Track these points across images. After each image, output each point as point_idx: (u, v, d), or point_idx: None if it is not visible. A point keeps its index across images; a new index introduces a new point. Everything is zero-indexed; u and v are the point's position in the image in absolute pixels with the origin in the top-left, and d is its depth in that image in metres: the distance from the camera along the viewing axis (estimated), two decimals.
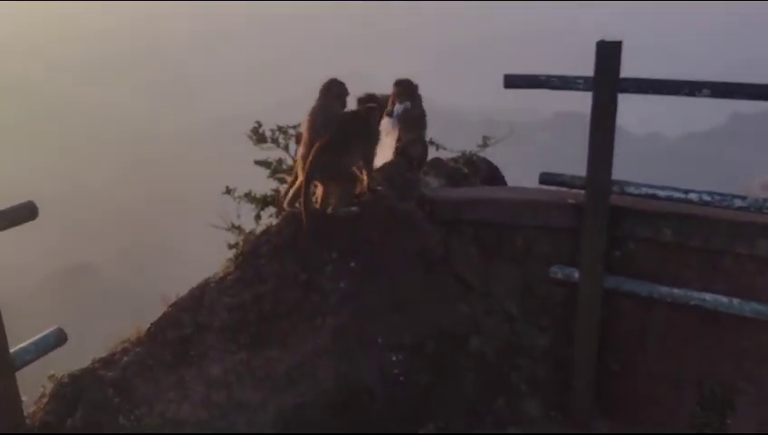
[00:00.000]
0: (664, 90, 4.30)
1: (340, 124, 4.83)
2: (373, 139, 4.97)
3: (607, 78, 4.39)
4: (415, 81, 5.75)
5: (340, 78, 5.10)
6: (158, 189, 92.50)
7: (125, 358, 3.95)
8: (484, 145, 8.03)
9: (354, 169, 4.84)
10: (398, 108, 5.49)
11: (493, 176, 7.06)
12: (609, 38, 4.41)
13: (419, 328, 4.78)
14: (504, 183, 7.14)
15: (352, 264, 4.61)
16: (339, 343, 4.36)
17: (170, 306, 4.22)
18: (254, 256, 4.45)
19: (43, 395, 4.17)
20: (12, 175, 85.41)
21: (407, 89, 5.61)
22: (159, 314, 5.23)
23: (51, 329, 3.49)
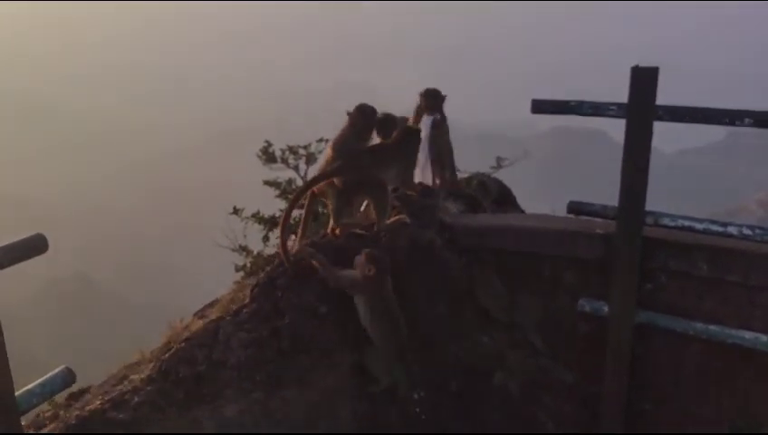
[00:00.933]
0: (703, 119, 4.12)
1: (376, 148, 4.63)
2: (411, 164, 4.77)
3: (642, 105, 4.21)
4: (442, 92, 5.52)
5: (370, 104, 4.78)
6: (161, 204, 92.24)
7: (135, 398, 3.72)
8: (498, 166, 7.86)
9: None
10: (426, 120, 5.27)
11: (505, 198, 6.86)
12: (644, 63, 4.24)
13: (442, 363, 4.56)
14: (516, 205, 6.93)
15: None
16: (359, 380, 4.13)
17: (184, 341, 3.99)
18: (270, 287, 4.23)
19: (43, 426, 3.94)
20: (13, 186, 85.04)
21: (435, 100, 5.36)
22: (163, 337, 5.03)
23: (58, 369, 3.27)
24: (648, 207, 4.35)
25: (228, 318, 4.08)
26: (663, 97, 4.16)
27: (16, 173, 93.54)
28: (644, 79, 4.17)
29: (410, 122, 5.38)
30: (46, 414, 4.32)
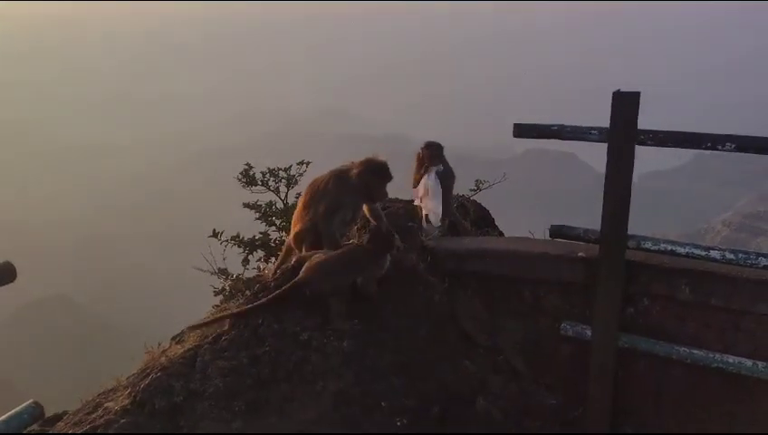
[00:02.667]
0: (685, 143, 4.14)
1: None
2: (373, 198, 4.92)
3: (624, 130, 4.22)
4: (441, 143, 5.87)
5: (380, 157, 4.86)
6: (138, 221, 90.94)
7: (109, 432, 3.55)
8: (477, 189, 7.86)
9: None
10: (432, 172, 5.67)
11: (484, 220, 6.86)
12: (625, 89, 4.26)
13: (424, 390, 4.47)
14: (495, 227, 6.94)
15: (355, 321, 4.31)
16: (341, 408, 4.03)
17: (160, 370, 3.85)
18: (250, 314, 4.11)
19: None
20: None
21: (437, 151, 5.72)
22: (140, 362, 4.85)
23: (25, 404, 3.10)
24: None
25: (207, 346, 3.96)
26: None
27: None
28: (626, 103, 4.19)
29: (414, 173, 5.80)
30: None
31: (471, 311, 4.99)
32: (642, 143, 4.23)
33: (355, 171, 4.67)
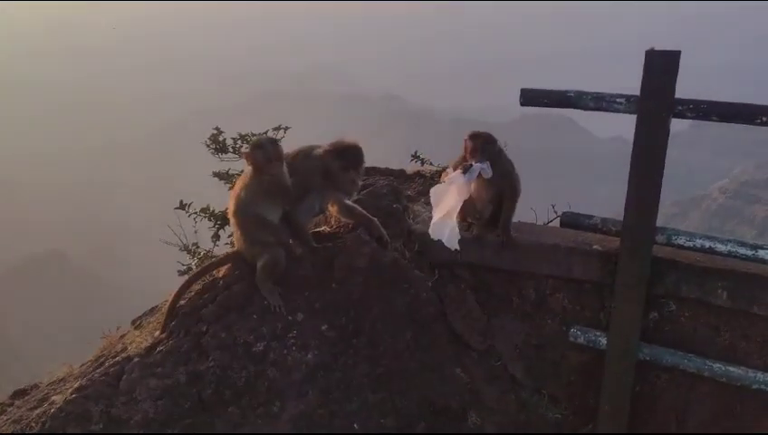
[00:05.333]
0: (734, 117, 3.34)
1: None
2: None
3: (658, 99, 3.41)
4: (494, 135, 4.21)
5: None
6: (133, 179, 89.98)
7: None
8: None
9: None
10: (475, 168, 4.01)
11: None
12: (659, 46, 3.43)
13: (406, 406, 3.76)
14: None
15: (323, 327, 3.56)
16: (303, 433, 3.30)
17: (75, 391, 3.09)
18: (192, 319, 3.34)
19: None
20: None
21: (484, 146, 4.07)
22: (96, 348, 4.24)
23: None
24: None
25: (136, 359, 3.19)
26: None
27: None
28: (661, 66, 3.37)
29: (450, 167, 4.24)
30: None
31: (464, 309, 4.24)
32: (680, 115, 3.44)
33: (319, 153, 3.77)
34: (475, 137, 4.07)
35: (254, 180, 3.64)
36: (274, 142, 3.83)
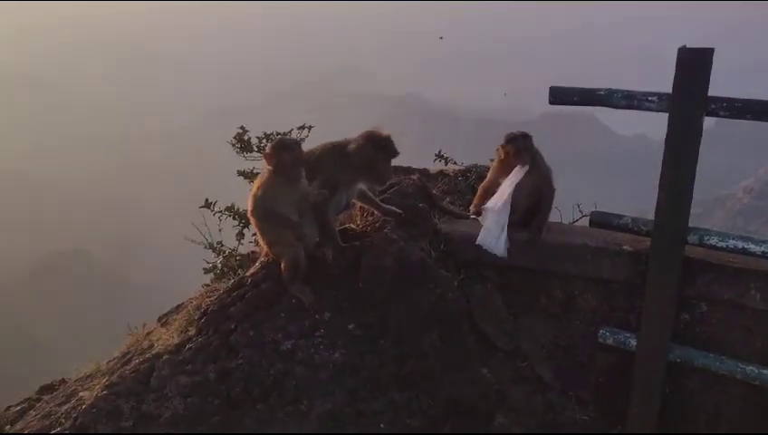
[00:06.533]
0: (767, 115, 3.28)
1: None
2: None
3: (690, 96, 3.36)
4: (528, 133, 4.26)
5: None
6: (154, 179, 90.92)
7: None
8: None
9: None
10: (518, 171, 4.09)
11: None
12: (692, 44, 3.38)
13: (432, 406, 3.74)
14: None
15: (350, 326, 3.56)
16: (330, 433, 3.30)
17: (104, 388, 3.12)
18: (221, 317, 3.36)
19: None
20: (12, 161, 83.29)
21: (524, 147, 4.12)
22: (125, 346, 4.38)
23: None
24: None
25: (166, 356, 3.21)
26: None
27: (16, 148, 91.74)
28: (695, 63, 3.32)
29: (492, 171, 4.39)
30: (15, 408, 4.08)
31: (490, 309, 4.22)
32: (713, 113, 3.38)
33: (353, 146, 3.80)
34: (516, 138, 4.10)
35: (273, 180, 3.65)
36: (298, 144, 3.85)
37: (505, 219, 4.05)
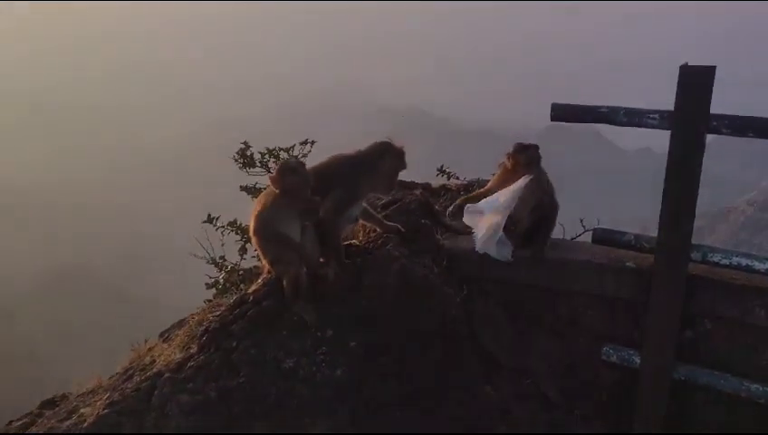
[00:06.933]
0: None
1: None
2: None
3: (692, 115, 3.36)
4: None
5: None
6: (152, 190, 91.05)
7: None
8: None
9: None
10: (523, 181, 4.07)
11: None
12: (694, 62, 3.39)
13: (436, 424, 3.71)
14: None
15: (352, 343, 3.54)
16: None
17: (106, 406, 3.11)
18: (223, 335, 3.35)
19: None
20: (13, 175, 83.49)
21: (534, 158, 4.15)
22: (127, 361, 4.31)
23: None
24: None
25: (167, 374, 3.21)
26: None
27: (17, 161, 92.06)
28: (696, 81, 3.33)
29: (493, 179, 4.41)
30: (17, 423, 4.00)
31: (493, 326, 4.20)
32: (715, 131, 3.39)
33: (376, 157, 3.82)
34: (527, 148, 4.11)
35: (278, 201, 3.65)
36: (303, 165, 3.87)
37: (500, 222, 3.97)
